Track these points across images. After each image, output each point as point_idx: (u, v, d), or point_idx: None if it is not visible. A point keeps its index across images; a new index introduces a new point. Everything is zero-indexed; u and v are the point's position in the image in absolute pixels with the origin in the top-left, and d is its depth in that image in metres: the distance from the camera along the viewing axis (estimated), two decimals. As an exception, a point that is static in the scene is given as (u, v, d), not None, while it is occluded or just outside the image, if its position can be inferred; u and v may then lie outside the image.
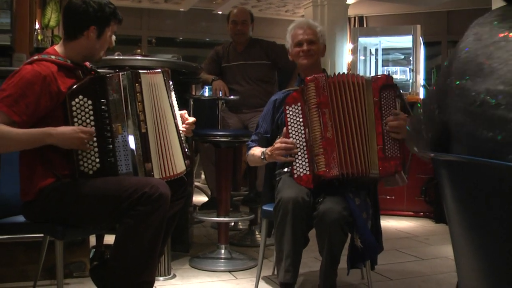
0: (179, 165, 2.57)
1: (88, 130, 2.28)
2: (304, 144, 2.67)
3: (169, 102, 2.59)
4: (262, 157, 2.83)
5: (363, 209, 2.64)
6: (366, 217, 2.65)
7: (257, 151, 2.93)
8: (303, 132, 2.68)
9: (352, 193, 2.63)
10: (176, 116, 2.62)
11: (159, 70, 2.59)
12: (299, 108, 2.69)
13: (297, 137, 2.68)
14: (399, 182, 2.74)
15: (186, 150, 2.65)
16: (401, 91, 6.76)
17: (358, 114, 2.67)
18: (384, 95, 2.67)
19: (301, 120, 2.68)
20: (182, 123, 2.68)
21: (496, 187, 1.20)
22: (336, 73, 2.72)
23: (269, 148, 2.79)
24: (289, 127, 2.70)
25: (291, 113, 2.70)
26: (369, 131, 2.66)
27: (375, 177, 2.69)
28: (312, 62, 3.02)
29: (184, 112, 2.72)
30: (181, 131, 2.64)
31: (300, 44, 3.01)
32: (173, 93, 2.64)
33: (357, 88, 2.69)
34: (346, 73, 2.75)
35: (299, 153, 2.66)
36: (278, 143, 2.72)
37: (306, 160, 2.65)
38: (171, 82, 2.63)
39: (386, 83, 2.69)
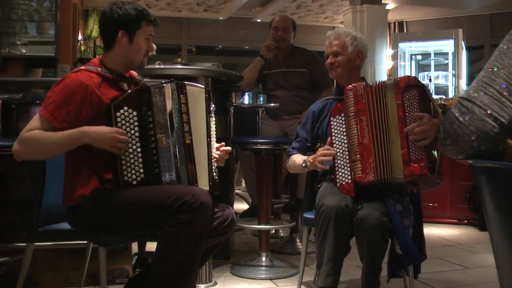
0: (202, 184, 2.49)
1: (122, 133, 2.29)
2: (347, 153, 2.66)
3: (206, 121, 2.52)
4: (303, 165, 2.83)
5: (404, 215, 2.60)
6: (409, 224, 2.61)
7: (298, 158, 2.92)
8: (345, 141, 2.67)
9: (393, 200, 2.61)
10: (210, 136, 2.55)
11: (203, 87, 2.57)
12: (343, 118, 2.69)
13: (340, 147, 2.68)
14: (430, 185, 2.68)
15: (215, 174, 2.56)
16: (444, 96, 6.68)
17: (386, 119, 2.63)
18: (406, 97, 2.59)
19: (344, 130, 2.68)
20: (217, 150, 2.60)
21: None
22: (377, 82, 2.69)
23: (311, 156, 2.78)
24: (333, 137, 2.70)
25: (335, 123, 2.71)
26: (394, 135, 2.60)
27: (400, 181, 2.60)
28: (336, 75, 3.02)
29: (222, 144, 2.65)
30: (212, 155, 2.56)
31: (327, 57, 3.03)
32: (212, 115, 2.57)
33: (383, 93, 2.65)
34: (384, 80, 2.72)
35: (342, 162, 2.65)
36: (320, 151, 2.72)
37: (348, 169, 2.63)
38: (213, 105, 2.57)
39: (408, 84, 2.61)
